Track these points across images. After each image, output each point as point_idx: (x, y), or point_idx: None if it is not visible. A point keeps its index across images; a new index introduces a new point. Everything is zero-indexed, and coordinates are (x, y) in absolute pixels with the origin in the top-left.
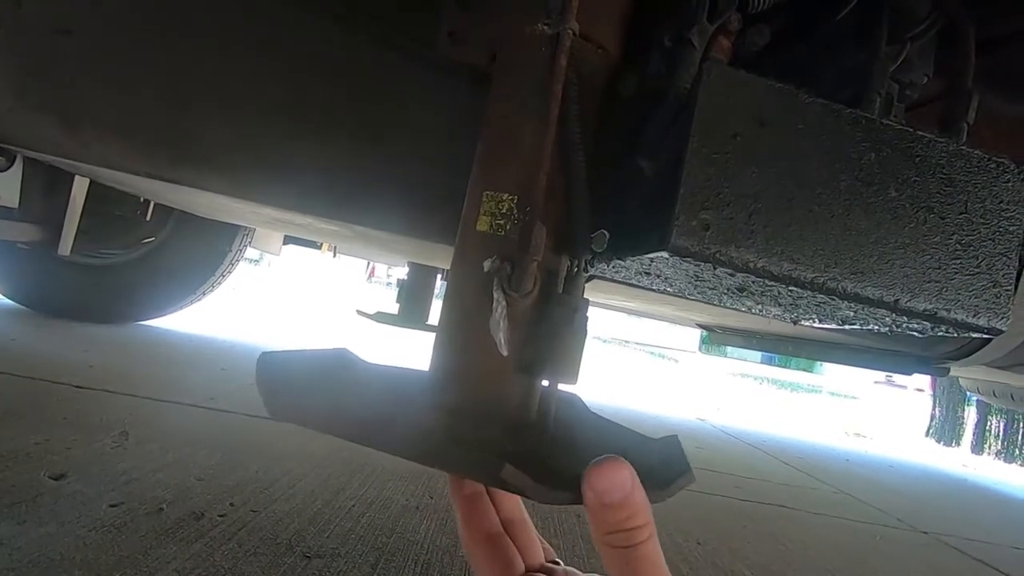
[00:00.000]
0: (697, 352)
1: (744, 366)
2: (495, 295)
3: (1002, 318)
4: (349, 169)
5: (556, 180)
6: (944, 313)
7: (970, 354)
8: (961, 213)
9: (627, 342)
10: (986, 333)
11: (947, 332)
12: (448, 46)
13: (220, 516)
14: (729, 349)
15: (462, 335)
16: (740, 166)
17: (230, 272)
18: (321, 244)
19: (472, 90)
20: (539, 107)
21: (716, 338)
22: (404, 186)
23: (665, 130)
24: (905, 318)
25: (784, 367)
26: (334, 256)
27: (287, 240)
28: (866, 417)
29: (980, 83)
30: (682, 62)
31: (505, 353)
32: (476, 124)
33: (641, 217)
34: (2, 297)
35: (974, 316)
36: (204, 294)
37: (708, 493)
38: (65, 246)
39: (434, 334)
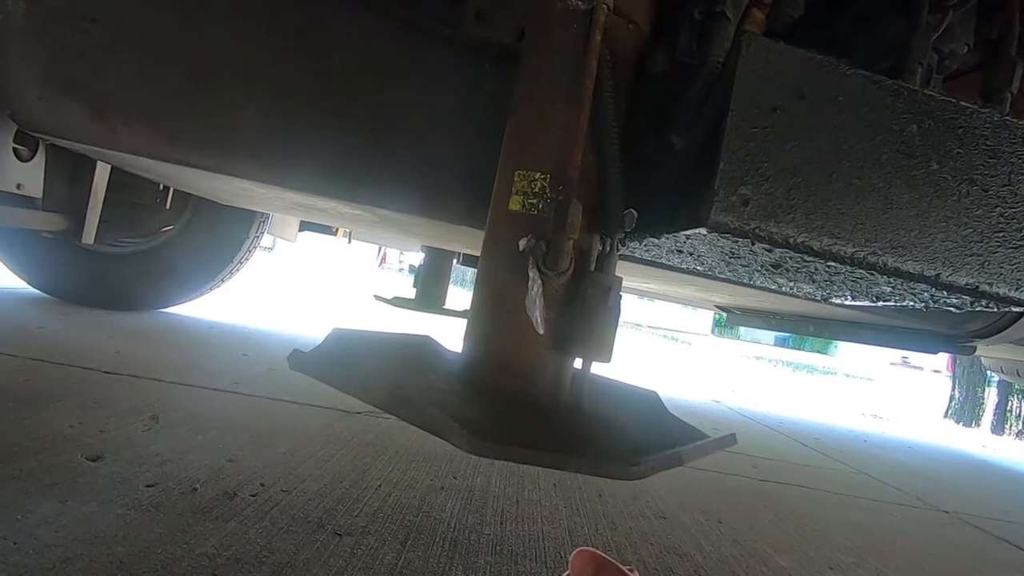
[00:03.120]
0: (710, 335)
1: (757, 348)
2: (531, 274)
3: None
4: (374, 152)
5: (589, 158)
6: (987, 287)
7: (999, 332)
8: (1005, 185)
9: (640, 326)
10: None
11: (987, 306)
12: (475, 25)
13: (252, 496)
14: (743, 331)
15: (496, 315)
16: (780, 140)
17: (248, 259)
18: (336, 230)
19: (497, 69)
20: (572, 84)
21: (734, 319)
22: (428, 168)
23: (698, 106)
24: (945, 293)
25: (798, 349)
26: (349, 242)
27: (303, 226)
28: (882, 398)
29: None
30: (715, 36)
31: (541, 331)
32: (501, 104)
33: (674, 194)
34: (28, 286)
35: (1017, 290)
36: (223, 281)
37: (728, 473)
38: (88, 235)
39: (450, 318)
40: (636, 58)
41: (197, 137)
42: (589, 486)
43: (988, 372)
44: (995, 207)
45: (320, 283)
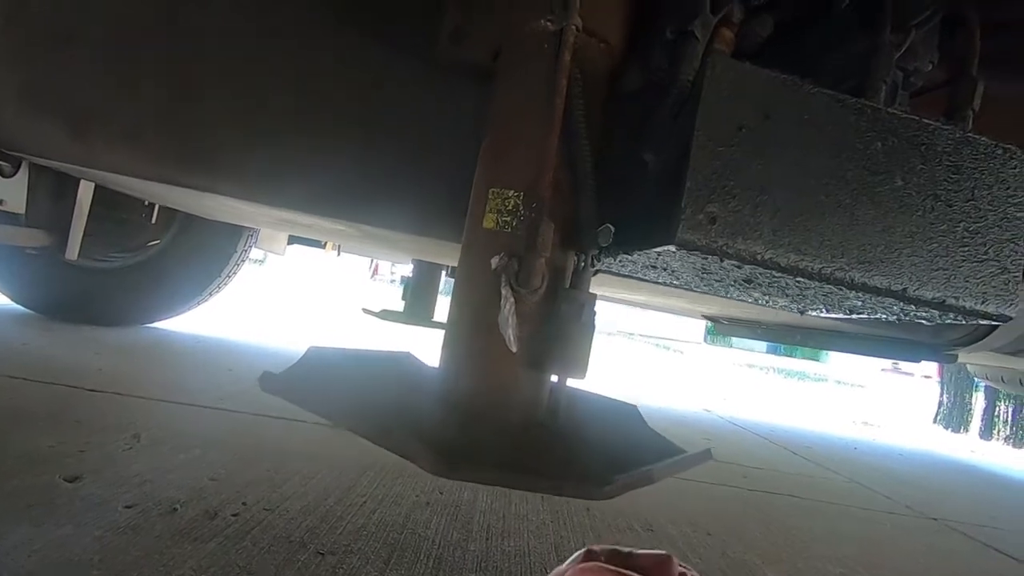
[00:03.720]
0: (702, 343)
1: (750, 356)
2: (503, 292)
3: (1011, 304)
4: (356, 168)
5: (562, 176)
6: (952, 301)
7: (978, 340)
8: (968, 200)
9: (632, 334)
10: (995, 320)
11: (955, 320)
12: (450, 45)
13: (233, 515)
14: (735, 340)
15: (470, 333)
16: (746, 158)
17: (235, 273)
18: (325, 243)
19: (476, 87)
20: (544, 103)
21: (722, 329)
22: (411, 184)
23: (669, 124)
24: (913, 306)
25: (790, 356)
26: (338, 255)
27: (291, 240)
28: (873, 405)
29: (983, 68)
30: (685, 55)
31: (515, 350)
32: (481, 121)
33: (647, 211)
34: (12, 302)
35: (983, 303)
36: (210, 295)
37: (717, 484)
38: (72, 251)
39: (439, 331)
40: (609, 76)
41: (179, 155)
42: (577, 499)
43: (975, 378)
44: (959, 222)
45: (311, 296)
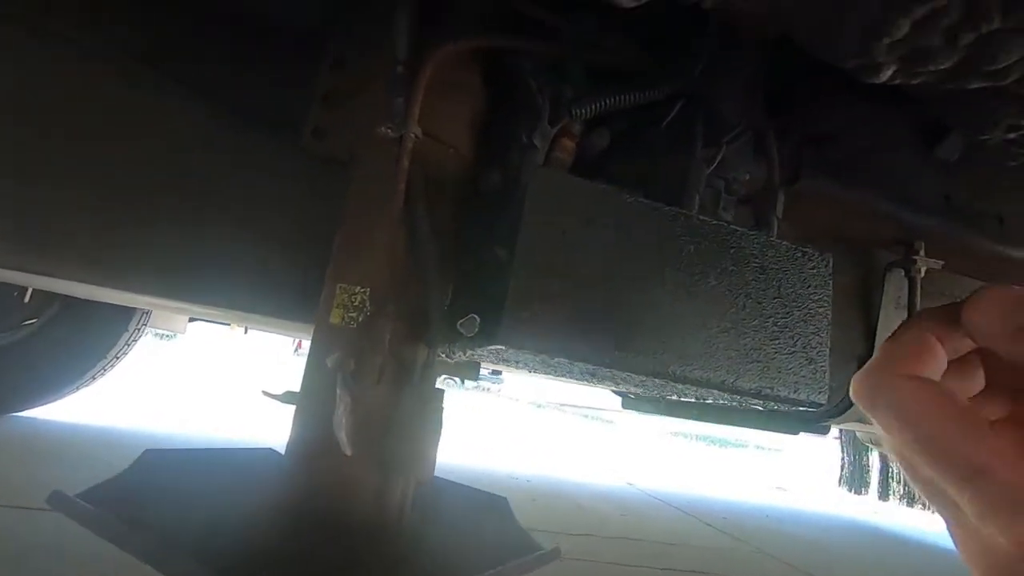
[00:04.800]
0: (627, 411)
1: (677, 424)
2: (338, 392)
3: (820, 392)
4: (213, 251)
5: (409, 273)
6: (768, 391)
7: (844, 411)
8: (776, 298)
9: (563, 405)
10: (808, 407)
11: (776, 408)
12: (312, 141)
13: None
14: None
15: (314, 433)
16: (569, 261)
17: (126, 353)
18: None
19: (340, 180)
20: (387, 204)
21: (628, 404)
22: (273, 272)
23: (515, 222)
24: (737, 396)
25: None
26: (245, 332)
27: (193, 317)
28: (788, 469)
29: (818, 172)
30: (527, 162)
31: (349, 453)
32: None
33: (497, 304)
34: None
35: (795, 392)
36: (93, 379)
37: (629, 565)
38: None
39: None
40: (460, 178)
41: (24, 239)
42: None
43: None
44: (768, 317)
45: (220, 375)
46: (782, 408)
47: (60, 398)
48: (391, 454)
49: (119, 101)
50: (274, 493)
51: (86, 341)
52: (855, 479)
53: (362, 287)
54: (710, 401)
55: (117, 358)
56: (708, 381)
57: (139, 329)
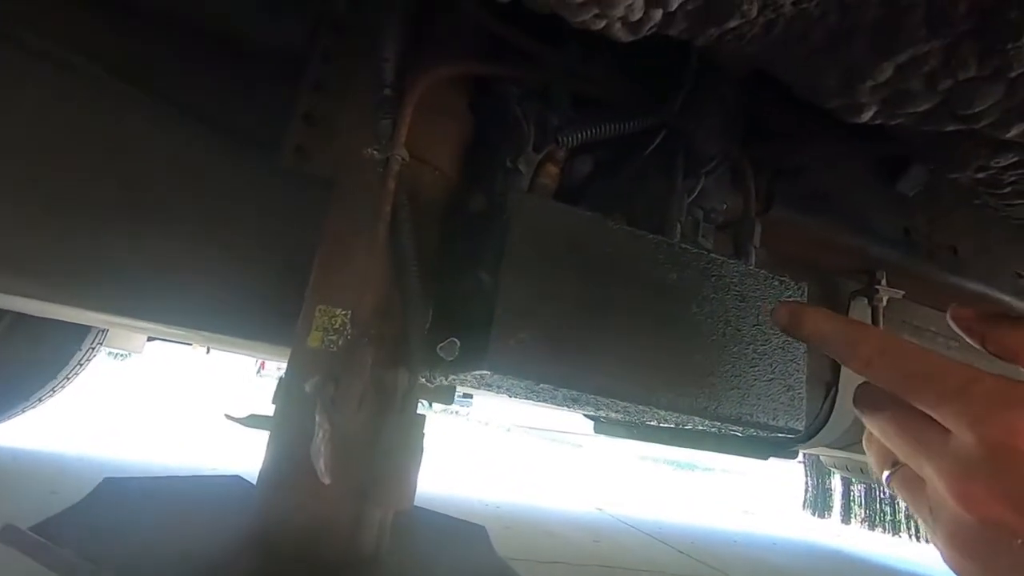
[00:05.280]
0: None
1: (644, 447)
2: (318, 418)
3: (797, 420)
4: (189, 272)
5: (391, 296)
6: (748, 417)
7: (812, 437)
8: (755, 325)
9: (532, 428)
10: (786, 434)
11: (756, 434)
12: (294, 159)
13: None
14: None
15: (288, 460)
16: (554, 287)
17: (78, 373)
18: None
19: (321, 198)
20: (370, 226)
21: (601, 428)
22: (249, 292)
23: (500, 247)
24: (718, 422)
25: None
26: (207, 352)
27: (152, 336)
28: (753, 493)
29: (788, 203)
30: (512, 187)
31: (327, 482)
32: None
33: (481, 329)
34: None
35: (774, 419)
36: (41, 400)
37: None
38: None
39: None
40: (445, 201)
41: None
42: None
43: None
44: (748, 344)
45: (179, 396)
46: (761, 434)
47: (3, 420)
48: (371, 483)
49: (82, 115)
50: (244, 524)
51: (33, 361)
52: (818, 503)
53: (343, 309)
54: (689, 427)
55: (68, 378)
56: (691, 408)
57: (93, 348)
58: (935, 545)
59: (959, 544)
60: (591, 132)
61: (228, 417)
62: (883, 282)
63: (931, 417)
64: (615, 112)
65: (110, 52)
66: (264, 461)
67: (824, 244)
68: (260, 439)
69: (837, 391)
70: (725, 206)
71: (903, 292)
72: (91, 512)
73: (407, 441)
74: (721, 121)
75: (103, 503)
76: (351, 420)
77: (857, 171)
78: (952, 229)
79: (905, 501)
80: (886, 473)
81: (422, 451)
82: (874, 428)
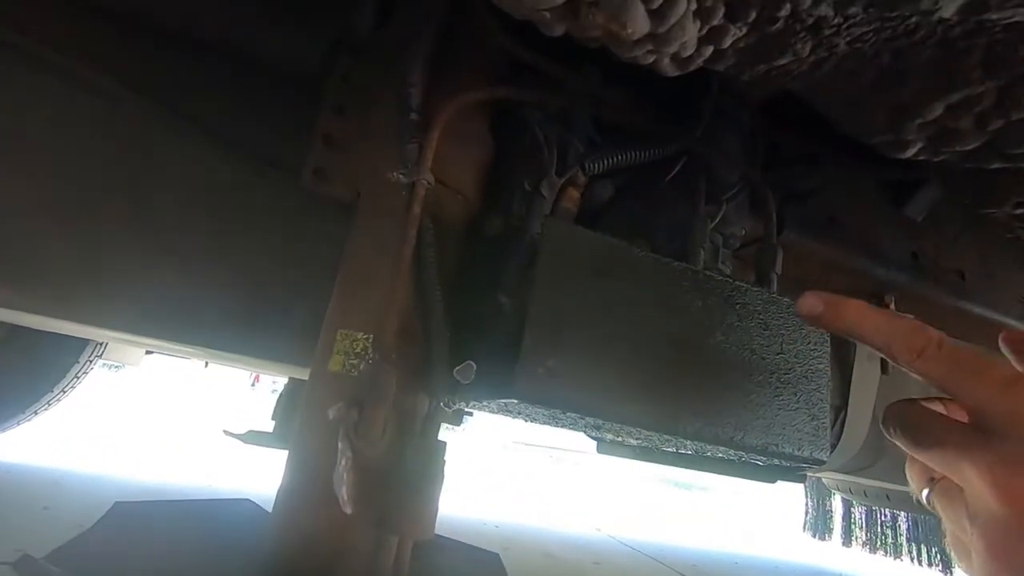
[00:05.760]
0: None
1: (643, 466)
2: (340, 446)
3: (822, 450)
4: (198, 290)
5: (413, 321)
6: (774, 447)
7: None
8: (778, 354)
9: (530, 445)
10: (811, 464)
11: (781, 464)
12: (313, 182)
13: None
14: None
15: (307, 486)
16: (582, 315)
17: (74, 386)
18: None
19: (339, 220)
20: (394, 249)
21: (603, 448)
22: (258, 310)
23: (521, 271)
24: (743, 452)
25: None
26: (206, 366)
27: (150, 350)
28: (753, 514)
29: (799, 227)
30: (533, 211)
31: (349, 511)
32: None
33: (498, 356)
34: None
35: (799, 449)
36: (36, 413)
37: None
38: None
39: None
40: (465, 224)
41: None
42: None
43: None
44: (772, 373)
45: (175, 410)
46: (784, 464)
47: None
48: (391, 512)
49: (94, 130)
50: (259, 550)
51: (30, 373)
52: (819, 525)
53: (365, 333)
54: (709, 454)
55: (64, 391)
56: (716, 437)
57: (91, 361)
58: (968, 568)
59: (999, 548)
60: (616, 159)
61: (227, 433)
62: (892, 306)
63: (965, 424)
64: (638, 138)
65: (124, 67)
66: (280, 486)
67: (833, 267)
68: (256, 454)
69: (846, 416)
70: (743, 232)
71: (911, 316)
72: (103, 539)
73: (428, 468)
74: (741, 146)
75: (115, 529)
76: (374, 447)
77: (866, 195)
78: (959, 254)
79: (943, 515)
80: (925, 491)
81: (443, 478)
82: (906, 442)
